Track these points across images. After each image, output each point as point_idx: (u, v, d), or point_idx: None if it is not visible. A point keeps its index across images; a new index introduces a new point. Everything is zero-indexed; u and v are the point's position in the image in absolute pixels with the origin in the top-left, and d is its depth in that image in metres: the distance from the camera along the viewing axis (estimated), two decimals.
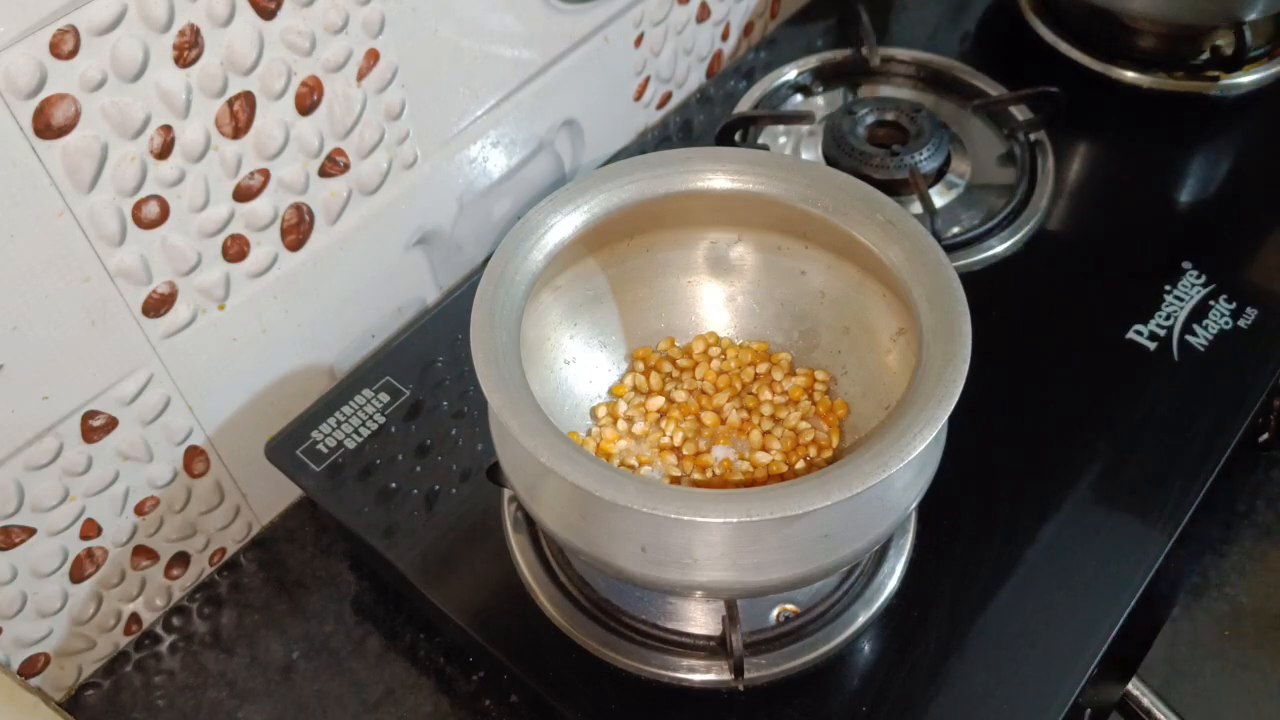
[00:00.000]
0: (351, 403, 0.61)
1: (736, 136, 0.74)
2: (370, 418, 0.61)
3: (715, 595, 0.50)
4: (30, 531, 0.53)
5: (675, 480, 0.54)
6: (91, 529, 0.56)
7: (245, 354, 0.59)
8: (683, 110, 0.80)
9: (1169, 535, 0.55)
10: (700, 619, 0.53)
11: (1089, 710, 0.56)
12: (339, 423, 0.61)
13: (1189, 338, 0.63)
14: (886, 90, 0.79)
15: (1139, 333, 0.63)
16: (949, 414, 0.43)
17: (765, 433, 0.54)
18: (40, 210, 0.46)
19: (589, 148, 0.75)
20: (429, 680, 0.59)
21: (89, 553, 0.57)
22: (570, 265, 0.54)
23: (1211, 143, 0.75)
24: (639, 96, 0.77)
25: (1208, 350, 0.62)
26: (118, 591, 0.59)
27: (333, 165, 0.57)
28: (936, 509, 0.54)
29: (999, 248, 0.68)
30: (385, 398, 0.62)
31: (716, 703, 0.51)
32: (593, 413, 0.56)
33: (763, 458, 0.53)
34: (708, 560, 0.44)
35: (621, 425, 0.55)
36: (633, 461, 0.54)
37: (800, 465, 0.53)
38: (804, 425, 0.54)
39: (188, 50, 0.48)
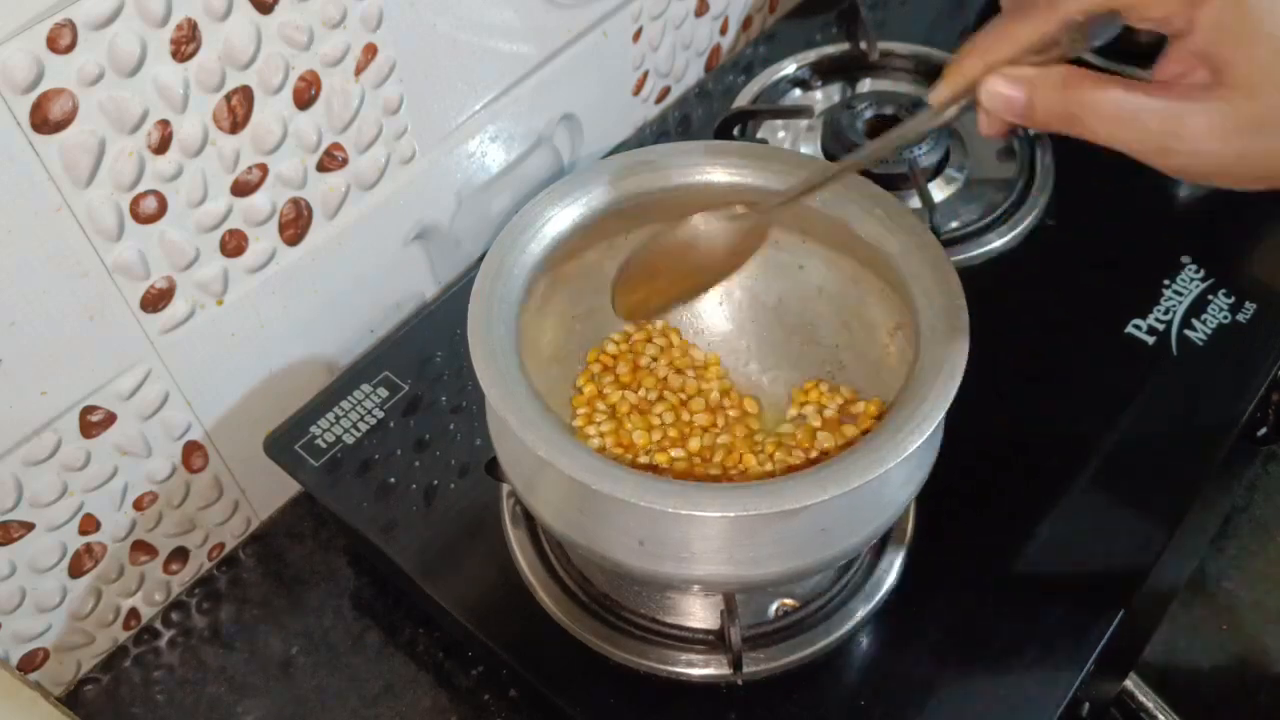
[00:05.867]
0: (350, 398, 0.61)
1: (735, 131, 0.74)
2: (369, 413, 0.61)
3: (713, 589, 0.50)
4: (29, 527, 0.53)
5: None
6: (90, 524, 0.56)
7: (243, 349, 0.59)
8: (681, 105, 0.80)
9: (1167, 529, 0.55)
10: (699, 613, 0.53)
11: (1087, 705, 0.56)
12: (337, 418, 0.61)
13: (1188, 332, 0.63)
14: (885, 84, 0.79)
15: (1138, 327, 0.63)
16: (947, 409, 0.43)
17: (764, 428, 0.54)
18: (38, 205, 0.46)
19: (587, 142, 0.75)
20: (428, 675, 0.59)
21: (88, 548, 0.57)
22: (568, 259, 0.54)
23: None
24: (637, 91, 0.77)
25: (1206, 344, 0.62)
26: (116, 586, 0.59)
27: (331, 160, 0.57)
28: (935, 503, 0.54)
29: (998, 242, 0.68)
30: (384, 393, 0.62)
31: (715, 697, 0.51)
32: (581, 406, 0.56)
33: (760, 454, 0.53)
34: (705, 554, 0.44)
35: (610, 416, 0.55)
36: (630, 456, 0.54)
37: (799, 459, 0.53)
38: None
39: (185, 45, 0.48)
